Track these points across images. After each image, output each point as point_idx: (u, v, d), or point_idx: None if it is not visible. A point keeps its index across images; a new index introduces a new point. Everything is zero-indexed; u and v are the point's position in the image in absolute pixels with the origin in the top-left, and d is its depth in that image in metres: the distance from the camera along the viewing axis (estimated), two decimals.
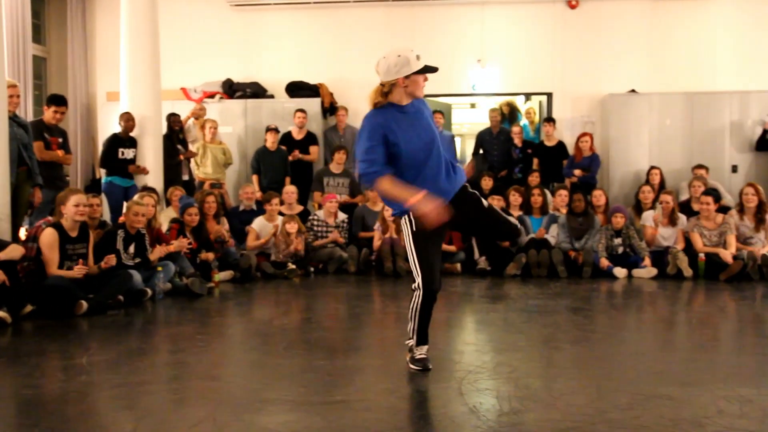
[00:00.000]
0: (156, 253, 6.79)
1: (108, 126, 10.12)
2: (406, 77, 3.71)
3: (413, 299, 3.90)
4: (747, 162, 10.22)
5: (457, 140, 11.71)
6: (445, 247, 8.26)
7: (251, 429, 3.08)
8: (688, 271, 7.65)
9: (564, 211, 8.70)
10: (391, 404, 3.45)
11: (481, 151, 10.69)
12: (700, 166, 9.73)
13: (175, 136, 9.46)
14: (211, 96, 10.91)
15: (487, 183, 9.40)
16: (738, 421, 3.14)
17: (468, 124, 14.64)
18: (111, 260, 6.25)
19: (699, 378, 3.80)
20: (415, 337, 3.99)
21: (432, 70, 3.75)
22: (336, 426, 3.11)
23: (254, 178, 9.98)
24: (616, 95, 10.51)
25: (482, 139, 10.73)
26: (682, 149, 10.20)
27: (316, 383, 3.82)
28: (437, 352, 4.59)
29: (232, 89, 11.01)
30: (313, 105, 10.67)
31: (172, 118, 9.51)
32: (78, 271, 5.90)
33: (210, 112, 10.46)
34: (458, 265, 8.28)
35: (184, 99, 10.77)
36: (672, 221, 8.24)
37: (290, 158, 10.00)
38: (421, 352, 4.00)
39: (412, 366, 3.97)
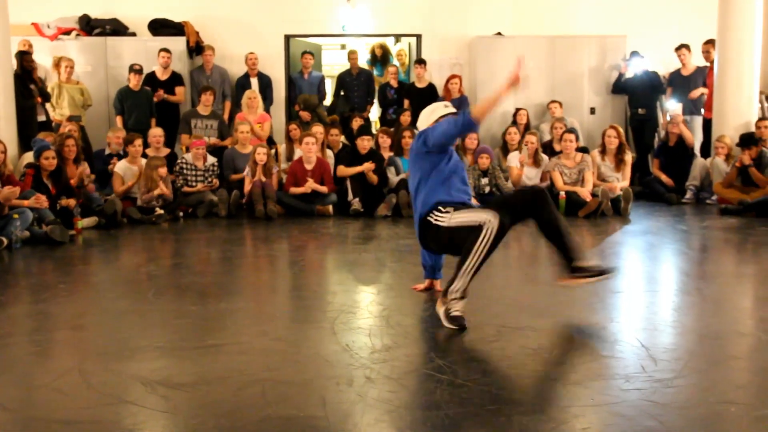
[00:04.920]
0: (3, 194, 6.32)
1: None
2: (436, 121, 4.14)
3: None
4: (603, 104, 10.72)
5: (327, 81, 11.60)
6: (317, 187, 8.28)
7: (120, 377, 3.01)
8: None
9: None
10: (265, 346, 3.45)
11: (342, 93, 10.71)
12: (553, 101, 10.11)
13: (27, 76, 8.84)
14: (67, 32, 10.24)
15: (357, 122, 9.43)
16: (592, 346, 3.36)
17: (339, 65, 14.50)
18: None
19: (558, 310, 4.02)
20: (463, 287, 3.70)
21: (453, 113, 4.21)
22: (208, 370, 3.08)
23: (118, 119, 9.55)
24: (483, 38, 10.69)
25: (342, 80, 10.74)
26: (545, 91, 10.53)
27: (187, 329, 3.76)
28: (310, 293, 4.62)
29: (89, 26, 10.38)
30: (177, 44, 10.24)
31: (25, 57, 8.87)
32: None
33: (66, 50, 9.84)
34: (330, 207, 8.29)
35: (36, 35, 10.04)
36: (536, 162, 8.57)
37: (155, 99, 9.64)
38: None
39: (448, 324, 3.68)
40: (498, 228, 3.58)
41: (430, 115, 4.20)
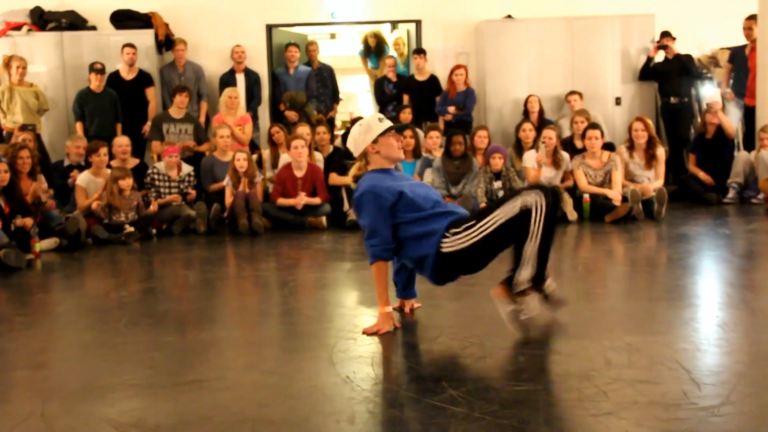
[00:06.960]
0: None
1: None
2: (374, 142, 4.13)
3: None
4: (631, 93, 10.72)
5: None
6: (308, 199, 8.28)
7: (89, 421, 3.01)
8: (572, 214, 8.01)
9: (437, 153, 8.87)
10: (254, 380, 3.45)
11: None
12: (572, 93, 10.11)
13: None
14: (17, 28, 10.28)
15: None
16: (626, 371, 3.35)
17: (328, 57, 14.56)
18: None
19: (586, 329, 4.02)
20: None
21: (396, 128, 4.18)
22: (189, 410, 3.08)
23: (78, 125, 9.58)
24: (491, 22, 10.71)
25: None
26: (563, 81, 10.54)
27: (164, 363, 3.76)
28: (303, 318, 4.62)
29: (43, 19, 10.42)
30: (144, 38, 10.27)
31: None
32: None
33: (17, 48, 9.89)
34: (323, 219, 8.30)
35: None
36: (555, 161, 8.54)
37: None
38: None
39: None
40: (546, 202, 3.74)
41: (365, 135, 4.16)
